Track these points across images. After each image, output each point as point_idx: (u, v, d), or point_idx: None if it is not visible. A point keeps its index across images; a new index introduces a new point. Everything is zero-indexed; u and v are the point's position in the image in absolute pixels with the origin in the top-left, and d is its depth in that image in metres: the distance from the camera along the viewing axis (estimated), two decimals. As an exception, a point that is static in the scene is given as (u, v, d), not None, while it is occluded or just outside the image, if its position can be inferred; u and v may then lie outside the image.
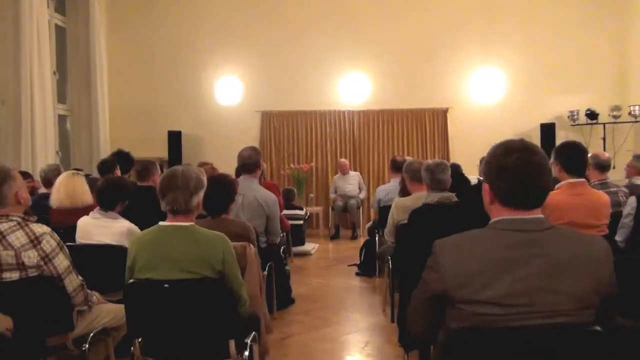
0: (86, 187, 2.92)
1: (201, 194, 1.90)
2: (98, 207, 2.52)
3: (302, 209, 6.00)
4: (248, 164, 3.26)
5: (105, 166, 3.85)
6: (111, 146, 7.71)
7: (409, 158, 4.21)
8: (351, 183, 7.17)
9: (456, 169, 4.10)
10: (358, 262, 4.90)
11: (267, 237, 3.23)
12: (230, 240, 1.92)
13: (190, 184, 1.84)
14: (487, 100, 7.57)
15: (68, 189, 2.87)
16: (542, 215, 1.15)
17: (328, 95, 7.75)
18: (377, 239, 4.36)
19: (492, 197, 1.20)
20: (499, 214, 1.18)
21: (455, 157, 7.58)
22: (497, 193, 1.18)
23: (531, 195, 1.15)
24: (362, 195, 7.18)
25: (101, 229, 2.45)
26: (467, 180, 4.30)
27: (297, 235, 5.79)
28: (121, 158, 4.02)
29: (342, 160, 7.30)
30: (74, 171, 3.00)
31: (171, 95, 7.83)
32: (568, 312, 1.08)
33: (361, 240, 6.14)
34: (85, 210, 2.63)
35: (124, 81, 7.84)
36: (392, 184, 4.36)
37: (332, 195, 7.24)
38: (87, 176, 3.24)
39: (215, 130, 7.80)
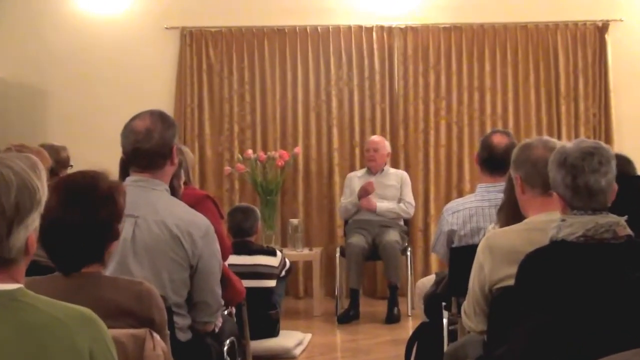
0: None
1: (34, 219, 1.88)
2: None
3: (273, 254, 5.99)
4: (146, 150, 3.25)
5: None
6: None
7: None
8: (388, 195, 7.22)
9: (623, 166, 4.08)
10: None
11: (192, 317, 3.25)
12: (106, 324, 1.91)
13: (7, 198, 1.83)
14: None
15: None
16: None
17: (333, -8, 7.82)
18: (445, 322, 4.36)
19: None
20: None
21: (625, 134, 7.61)
22: None
23: None
24: (401, 210, 7.19)
25: None
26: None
27: (264, 313, 5.78)
28: None
29: (375, 139, 7.33)
30: None
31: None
32: None
33: (410, 326, 6.14)
34: None
35: None
36: (478, 198, 4.37)
37: (342, 203, 7.28)
38: None
39: (76, 73, 7.84)
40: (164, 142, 3.25)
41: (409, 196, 7.24)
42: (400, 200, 7.19)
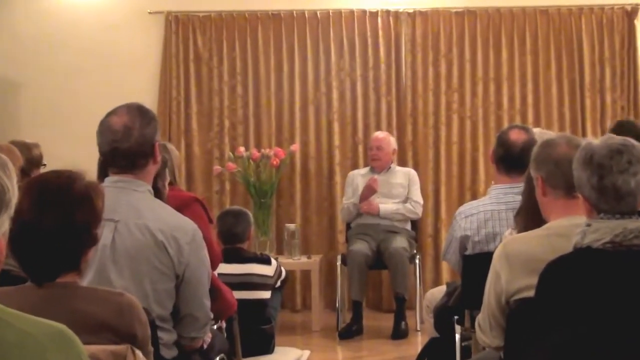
0: None
1: (3, 222, 1.87)
2: None
3: (268, 262, 6.00)
4: (125, 149, 3.25)
5: None
6: None
7: (541, 132, 4.18)
8: (395, 194, 7.22)
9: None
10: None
11: (178, 332, 3.26)
12: (83, 340, 1.91)
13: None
14: None
15: None
16: None
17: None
18: (457, 337, 4.37)
19: None
20: None
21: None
22: None
23: None
24: (407, 210, 7.20)
25: None
26: None
27: (257, 328, 5.79)
28: None
29: (379, 136, 7.35)
30: None
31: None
32: None
33: (418, 342, 6.16)
34: None
35: None
36: (494, 200, 4.38)
37: (345, 204, 7.28)
38: None
39: (51, 63, 7.84)
40: (144, 140, 3.25)
41: (416, 195, 7.23)
42: (406, 199, 7.19)
